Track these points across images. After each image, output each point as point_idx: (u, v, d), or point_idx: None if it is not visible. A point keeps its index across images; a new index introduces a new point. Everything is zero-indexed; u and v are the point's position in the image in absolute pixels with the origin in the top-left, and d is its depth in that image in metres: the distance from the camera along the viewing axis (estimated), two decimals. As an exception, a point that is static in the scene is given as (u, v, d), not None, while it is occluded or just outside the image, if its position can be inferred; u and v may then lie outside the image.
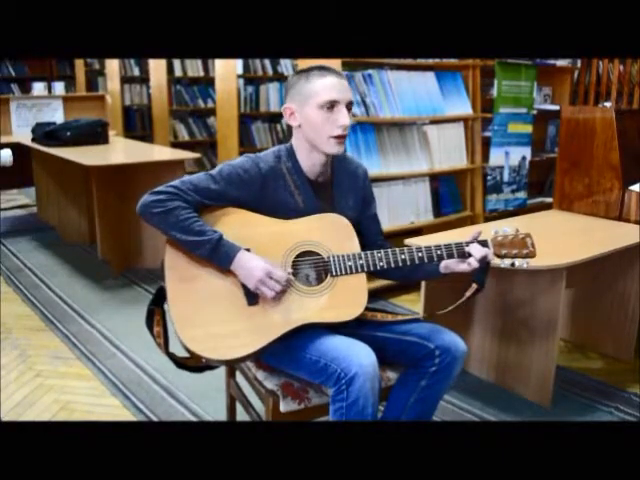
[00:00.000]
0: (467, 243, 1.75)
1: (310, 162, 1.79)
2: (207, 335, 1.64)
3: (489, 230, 1.82)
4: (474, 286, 1.79)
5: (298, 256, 1.73)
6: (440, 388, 1.77)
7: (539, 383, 2.53)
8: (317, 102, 1.70)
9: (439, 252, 1.75)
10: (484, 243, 1.76)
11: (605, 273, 2.91)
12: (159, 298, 1.80)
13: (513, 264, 1.77)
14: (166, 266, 1.71)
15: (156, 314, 1.82)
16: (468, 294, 1.80)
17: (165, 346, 1.79)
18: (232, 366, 2.08)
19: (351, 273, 1.73)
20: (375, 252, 1.74)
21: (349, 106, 1.74)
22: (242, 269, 1.66)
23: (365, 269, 1.74)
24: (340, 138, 1.72)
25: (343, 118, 1.70)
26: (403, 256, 1.75)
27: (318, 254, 1.74)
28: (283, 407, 1.74)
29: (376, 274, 1.94)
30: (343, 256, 1.73)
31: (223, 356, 1.65)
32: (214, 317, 1.67)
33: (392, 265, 1.75)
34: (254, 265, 1.65)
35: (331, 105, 1.70)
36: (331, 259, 1.73)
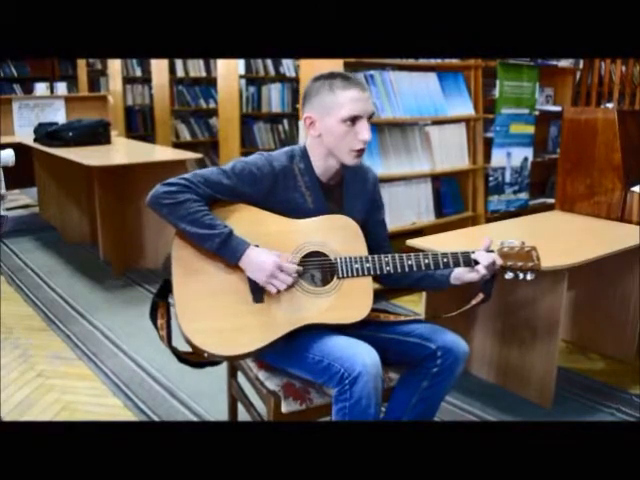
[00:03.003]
0: (473, 251, 1.76)
1: (324, 166, 1.79)
2: (210, 329, 1.64)
3: (494, 237, 1.82)
4: (481, 295, 1.80)
5: (305, 256, 1.73)
6: (442, 389, 1.77)
7: (540, 384, 2.53)
8: (340, 116, 1.69)
9: (445, 260, 1.76)
10: (491, 252, 1.77)
11: (607, 274, 2.91)
12: (164, 290, 1.80)
13: (517, 276, 1.77)
14: (173, 258, 1.70)
15: (160, 306, 1.82)
16: (474, 302, 1.81)
17: (168, 339, 1.78)
18: (234, 362, 2.08)
19: (357, 276, 1.73)
20: (382, 256, 1.75)
21: (370, 117, 1.73)
22: (251, 264, 1.66)
23: (372, 272, 1.74)
24: (360, 151, 1.73)
25: (364, 133, 1.70)
26: (410, 262, 1.75)
27: (325, 255, 1.74)
28: (284, 408, 1.74)
29: (383, 282, 1.94)
30: (350, 258, 1.73)
31: (225, 352, 1.65)
32: (219, 312, 1.67)
33: (398, 270, 1.75)
34: (264, 259, 1.65)
35: (353, 119, 1.69)
36: (338, 261, 1.73)
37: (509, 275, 1.78)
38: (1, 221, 2.12)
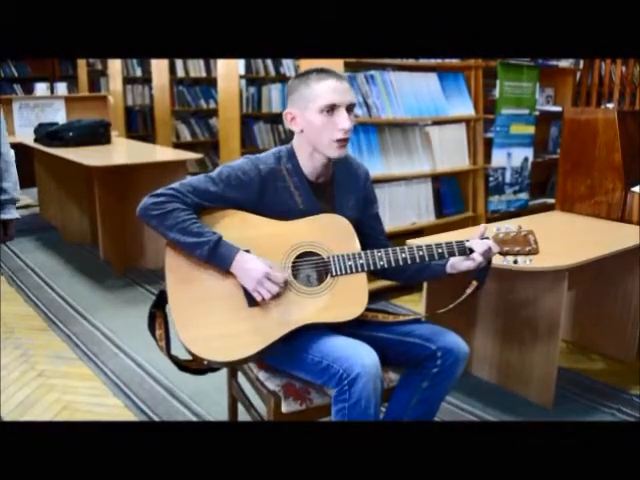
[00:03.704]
0: (468, 240, 1.75)
1: (311, 164, 1.78)
2: (208, 337, 1.64)
3: (491, 228, 1.81)
4: (474, 283, 1.79)
5: (298, 257, 1.73)
6: (442, 389, 1.76)
7: (541, 384, 2.53)
8: (317, 106, 1.69)
9: (440, 250, 1.75)
10: (486, 239, 1.76)
11: (607, 274, 2.90)
12: (160, 301, 1.80)
13: (516, 261, 1.77)
14: (166, 269, 1.71)
15: (158, 317, 1.82)
16: (469, 291, 1.80)
17: (167, 349, 1.79)
18: (234, 367, 2.08)
19: (351, 273, 1.73)
20: (375, 251, 1.74)
21: (350, 108, 1.72)
22: (240, 270, 1.66)
23: (365, 268, 1.74)
24: (342, 142, 1.71)
25: (344, 121, 1.68)
26: (403, 255, 1.75)
27: (318, 254, 1.74)
28: (285, 408, 1.74)
29: (381, 276, 1.94)
30: (343, 256, 1.73)
31: (224, 358, 1.65)
32: (215, 319, 1.67)
33: (392, 264, 1.74)
34: (252, 267, 1.65)
35: (331, 109, 1.68)
36: (331, 259, 1.73)
37: (507, 261, 1.77)
38: (13, 224, 2.04)
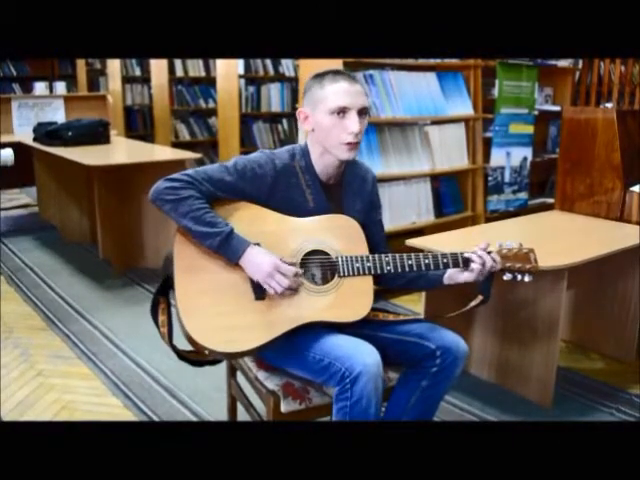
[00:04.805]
0: (473, 252, 1.76)
1: (322, 164, 1.79)
2: (212, 326, 1.64)
3: (494, 237, 1.82)
4: (479, 297, 1.80)
5: (306, 255, 1.74)
6: (441, 388, 1.77)
7: (540, 384, 2.53)
8: (327, 108, 1.70)
9: (445, 260, 1.76)
10: (489, 252, 1.77)
11: (606, 274, 2.91)
12: (165, 287, 1.81)
13: (515, 277, 1.78)
14: (175, 254, 1.71)
15: (161, 303, 1.83)
16: (473, 304, 1.81)
17: (169, 335, 1.79)
18: (234, 360, 2.07)
19: (358, 275, 1.74)
20: (383, 256, 1.75)
21: (362, 111, 1.72)
22: (251, 263, 1.66)
23: (372, 272, 1.74)
24: (351, 144, 1.72)
25: (353, 125, 1.69)
26: (410, 262, 1.76)
27: (326, 254, 1.74)
28: (284, 407, 1.74)
29: (378, 281, 1.94)
30: (351, 257, 1.74)
31: (226, 349, 1.65)
32: (220, 309, 1.67)
33: (399, 270, 1.76)
34: (263, 260, 1.65)
35: (341, 111, 1.69)
36: (339, 260, 1.73)
37: (507, 276, 1.79)
38: None
